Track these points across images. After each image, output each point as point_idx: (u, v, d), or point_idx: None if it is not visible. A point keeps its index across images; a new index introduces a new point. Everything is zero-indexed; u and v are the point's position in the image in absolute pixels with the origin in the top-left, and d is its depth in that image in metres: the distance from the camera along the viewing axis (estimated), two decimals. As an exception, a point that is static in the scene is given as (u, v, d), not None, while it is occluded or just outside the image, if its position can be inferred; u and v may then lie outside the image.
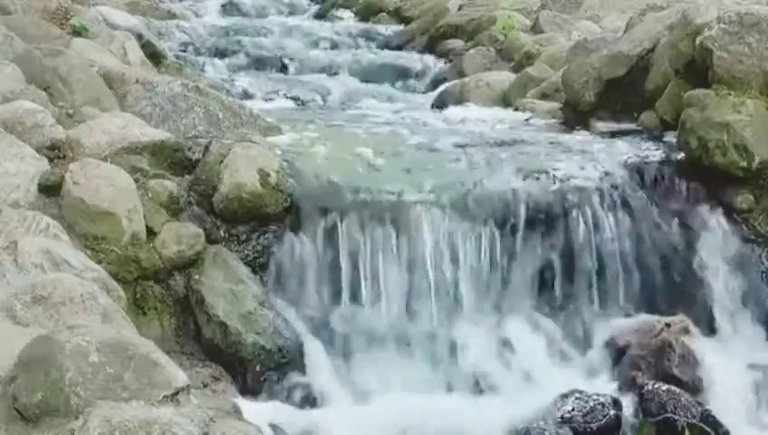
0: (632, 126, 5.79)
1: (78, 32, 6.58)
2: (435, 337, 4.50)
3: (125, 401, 2.99)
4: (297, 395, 4.19)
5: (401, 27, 10.01)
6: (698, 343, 4.56)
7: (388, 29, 10.04)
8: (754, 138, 4.86)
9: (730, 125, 4.88)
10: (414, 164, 5.02)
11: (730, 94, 5.00)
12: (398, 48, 9.36)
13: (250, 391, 4.17)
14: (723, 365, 4.52)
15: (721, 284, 4.83)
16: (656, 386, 4.25)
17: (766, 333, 4.75)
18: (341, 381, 4.30)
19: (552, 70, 6.99)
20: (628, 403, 4.19)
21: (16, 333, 3.28)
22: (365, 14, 11.00)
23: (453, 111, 6.75)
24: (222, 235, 4.55)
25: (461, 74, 7.95)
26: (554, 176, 4.91)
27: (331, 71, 8.50)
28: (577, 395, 4.11)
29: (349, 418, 4.08)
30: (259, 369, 4.21)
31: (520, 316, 4.66)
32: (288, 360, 4.24)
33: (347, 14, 11.29)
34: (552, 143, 5.43)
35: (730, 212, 4.95)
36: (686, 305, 4.75)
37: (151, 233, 4.40)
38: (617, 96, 5.99)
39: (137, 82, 5.50)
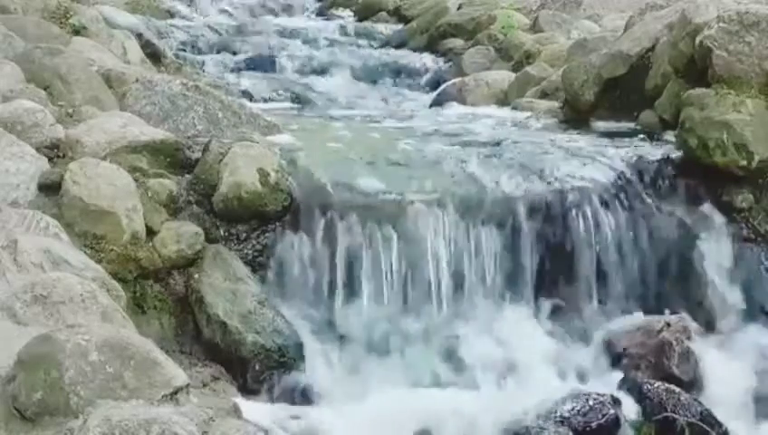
0: (632, 125, 5.79)
1: (77, 31, 6.58)
2: (434, 336, 4.50)
3: (125, 400, 2.99)
4: (297, 394, 4.19)
5: (401, 26, 10.02)
6: (698, 343, 4.56)
7: (387, 28, 10.05)
8: (754, 137, 4.87)
9: (730, 124, 4.88)
10: (413, 163, 5.02)
11: (730, 93, 5.00)
12: (398, 47, 9.37)
13: (250, 390, 4.17)
14: (723, 364, 4.52)
15: (721, 283, 4.83)
16: (655, 385, 4.25)
17: (766, 331, 4.75)
18: (341, 379, 4.30)
19: (551, 69, 6.99)
20: (628, 402, 4.18)
21: (16, 332, 3.28)
22: (364, 14, 11.01)
23: (452, 111, 6.76)
24: (221, 234, 4.55)
25: (461, 73, 7.96)
26: (554, 175, 4.90)
27: (330, 70, 8.50)
28: (576, 394, 4.11)
29: (348, 416, 4.07)
30: (259, 368, 4.21)
31: (519, 315, 4.66)
32: (288, 359, 4.24)
33: (346, 14, 11.31)
34: (551, 142, 5.43)
35: (730, 211, 4.96)
36: (686, 304, 4.75)
37: (151, 232, 4.40)
38: (616, 95, 5.99)
39: (136, 81, 5.50)
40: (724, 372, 4.48)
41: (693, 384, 4.40)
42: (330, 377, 4.28)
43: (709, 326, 4.72)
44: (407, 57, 8.85)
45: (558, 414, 4.02)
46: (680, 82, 5.46)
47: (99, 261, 4.09)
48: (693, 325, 4.62)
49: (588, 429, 4.01)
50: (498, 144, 5.38)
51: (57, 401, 2.97)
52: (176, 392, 3.10)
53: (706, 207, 4.95)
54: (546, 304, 4.72)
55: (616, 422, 4.05)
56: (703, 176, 5.00)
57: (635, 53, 5.93)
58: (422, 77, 8.52)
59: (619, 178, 4.95)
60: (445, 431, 3.99)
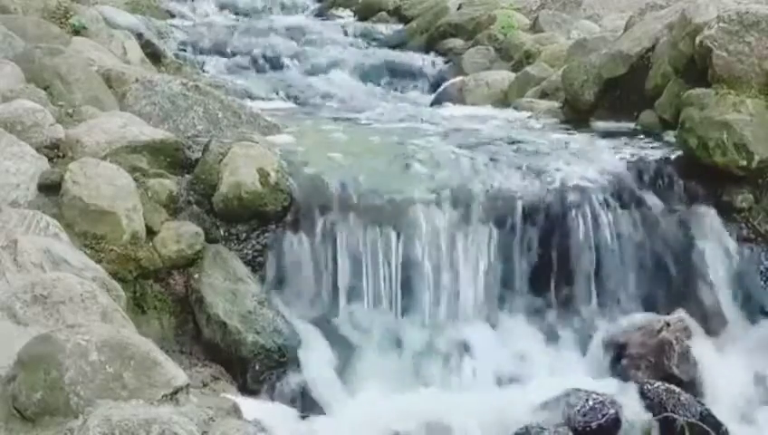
0: (632, 125, 5.79)
1: (77, 31, 6.58)
2: (434, 337, 4.50)
3: (125, 400, 2.99)
4: (296, 394, 4.19)
5: (401, 26, 10.02)
6: (698, 342, 4.56)
7: (387, 28, 10.05)
8: (754, 137, 4.87)
9: (730, 124, 4.88)
10: (413, 163, 5.01)
11: (730, 93, 5.00)
12: (398, 47, 9.37)
13: (249, 390, 4.17)
14: (722, 364, 4.52)
15: (720, 283, 4.83)
16: (655, 385, 4.25)
17: (765, 331, 4.75)
18: (340, 380, 4.30)
19: (551, 69, 6.99)
20: (628, 402, 4.18)
21: (16, 332, 3.28)
22: (364, 14, 11.01)
23: (452, 110, 6.75)
24: (221, 234, 4.56)
25: (461, 73, 7.96)
26: (554, 175, 4.90)
27: (330, 70, 8.49)
28: (576, 394, 4.11)
29: (348, 417, 4.08)
30: (259, 368, 4.21)
31: (519, 316, 4.66)
32: (287, 359, 4.24)
33: (346, 13, 11.31)
34: (551, 142, 5.42)
35: (729, 211, 4.96)
36: (686, 304, 4.75)
37: (151, 232, 4.40)
38: (616, 95, 5.99)
39: (136, 81, 5.50)
40: (724, 371, 4.48)
41: (693, 384, 4.40)
42: (329, 377, 4.28)
43: (709, 326, 4.71)
44: (407, 57, 8.85)
45: (558, 414, 4.02)
46: (680, 82, 5.46)
47: (99, 261, 4.09)
48: (693, 325, 4.62)
49: (588, 429, 4.01)
50: (498, 144, 5.37)
51: (57, 401, 2.97)
52: (176, 392, 3.10)
53: (706, 207, 4.95)
54: (546, 304, 4.72)
55: (616, 422, 4.05)
56: (703, 176, 5.00)
57: (635, 53, 5.93)
58: (422, 77, 8.51)
59: (619, 178, 4.95)
60: (444, 432, 3.99)
